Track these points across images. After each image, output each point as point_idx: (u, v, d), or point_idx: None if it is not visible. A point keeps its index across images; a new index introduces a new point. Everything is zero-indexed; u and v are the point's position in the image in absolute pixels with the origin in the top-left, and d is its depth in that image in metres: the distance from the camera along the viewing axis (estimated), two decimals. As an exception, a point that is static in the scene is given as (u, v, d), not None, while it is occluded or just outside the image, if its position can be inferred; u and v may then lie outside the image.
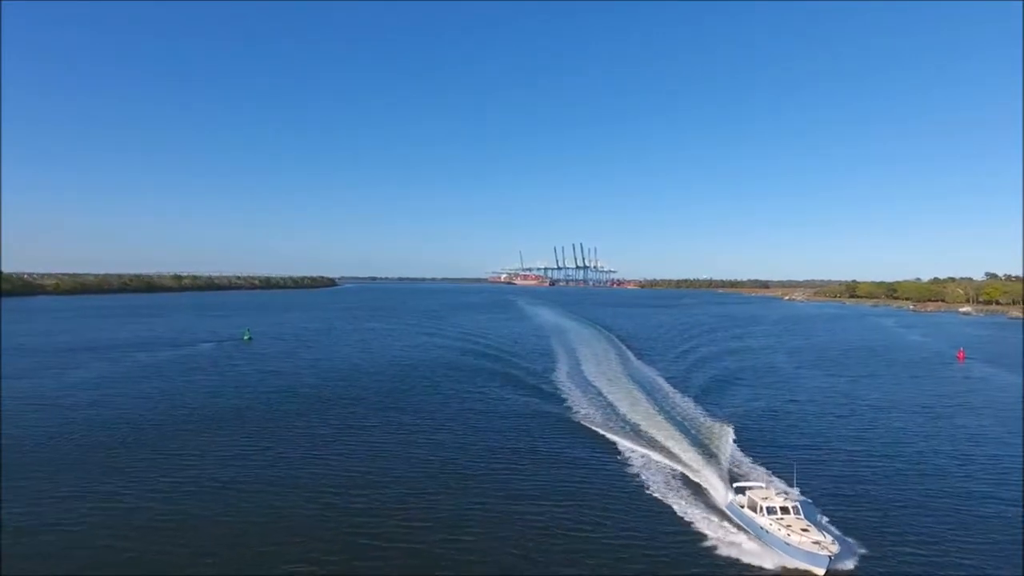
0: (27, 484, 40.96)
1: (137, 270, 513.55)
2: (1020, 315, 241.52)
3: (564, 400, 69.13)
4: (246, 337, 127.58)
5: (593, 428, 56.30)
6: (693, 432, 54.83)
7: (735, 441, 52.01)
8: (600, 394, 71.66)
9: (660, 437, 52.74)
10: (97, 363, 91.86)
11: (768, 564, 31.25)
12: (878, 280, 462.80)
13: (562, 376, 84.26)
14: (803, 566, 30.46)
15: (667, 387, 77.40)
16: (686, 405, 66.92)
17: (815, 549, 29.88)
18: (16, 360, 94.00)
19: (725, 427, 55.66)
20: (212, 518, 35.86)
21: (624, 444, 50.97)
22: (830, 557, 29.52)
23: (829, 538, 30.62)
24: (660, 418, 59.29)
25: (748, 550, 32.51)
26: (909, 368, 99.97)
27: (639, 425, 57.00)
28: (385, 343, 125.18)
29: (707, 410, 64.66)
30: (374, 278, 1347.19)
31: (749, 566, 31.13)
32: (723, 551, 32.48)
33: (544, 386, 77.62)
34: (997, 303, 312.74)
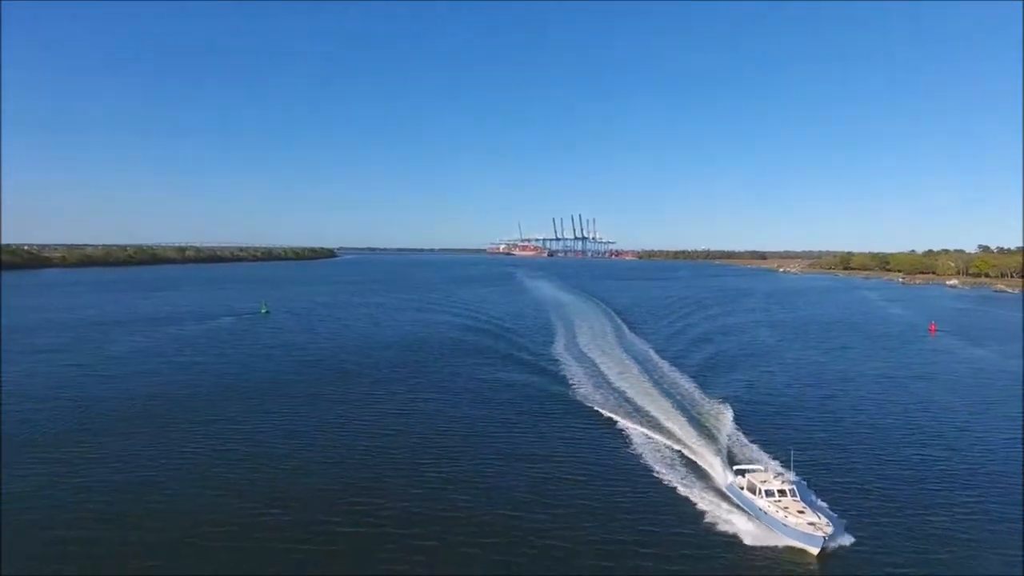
0: (104, 442, 48.52)
1: (136, 240, 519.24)
2: (1004, 288, 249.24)
3: (565, 375, 76.21)
4: (263, 311, 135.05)
5: (593, 403, 62.10)
6: (678, 398, 62.19)
7: (716, 412, 59.27)
8: (596, 367, 78.97)
9: (651, 409, 58.38)
10: (132, 337, 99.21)
11: (766, 543, 33.36)
12: (876, 251, 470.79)
13: (561, 350, 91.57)
14: (799, 545, 32.50)
15: (658, 359, 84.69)
16: (675, 376, 73.99)
17: (810, 530, 31.96)
18: (56, 334, 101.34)
19: (711, 400, 62.40)
20: (278, 467, 43.58)
21: (622, 419, 55.54)
22: (824, 537, 31.61)
23: (824, 520, 32.76)
24: (650, 388, 66.43)
25: (747, 529, 34.64)
26: (883, 341, 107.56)
27: (631, 396, 63.90)
28: (393, 317, 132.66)
29: (693, 379, 71.88)
30: (373, 249, 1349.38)
31: (748, 545, 33.40)
32: (723, 529, 34.95)
33: (546, 361, 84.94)
34: (986, 276, 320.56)
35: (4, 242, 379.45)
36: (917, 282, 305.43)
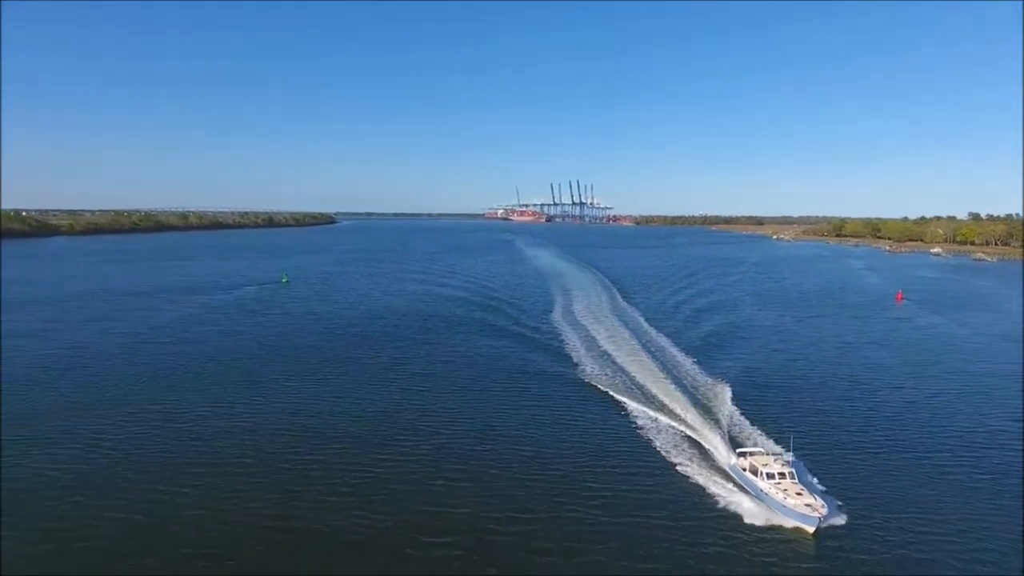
0: (190, 397, 58.82)
1: (132, 205, 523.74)
2: (983, 256, 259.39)
3: (563, 344, 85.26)
4: (284, 280, 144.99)
5: (587, 371, 68.15)
6: (663, 362, 72.01)
7: (695, 374, 69.73)
8: (590, 335, 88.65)
9: (641, 378, 64.37)
10: (169, 307, 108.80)
11: (766, 522, 36.52)
12: (874, 216, 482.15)
13: (559, 319, 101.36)
14: (797, 524, 35.67)
15: (647, 327, 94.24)
16: (664, 343, 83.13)
17: (807, 511, 35.03)
18: (98, 305, 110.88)
19: (692, 364, 72.09)
20: (346, 417, 54.06)
21: (613, 389, 60.97)
22: (820, 518, 34.79)
23: (820, 501, 35.93)
24: (641, 355, 75.34)
25: (748, 508, 37.79)
26: (853, 310, 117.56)
27: (622, 364, 72.38)
28: (400, 287, 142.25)
29: (678, 346, 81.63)
30: (370, 214, 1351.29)
31: (750, 523, 36.69)
32: (727, 508, 38.25)
33: (545, 332, 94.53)
34: (971, 243, 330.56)
35: (4, 207, 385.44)
36: (903, 250, 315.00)
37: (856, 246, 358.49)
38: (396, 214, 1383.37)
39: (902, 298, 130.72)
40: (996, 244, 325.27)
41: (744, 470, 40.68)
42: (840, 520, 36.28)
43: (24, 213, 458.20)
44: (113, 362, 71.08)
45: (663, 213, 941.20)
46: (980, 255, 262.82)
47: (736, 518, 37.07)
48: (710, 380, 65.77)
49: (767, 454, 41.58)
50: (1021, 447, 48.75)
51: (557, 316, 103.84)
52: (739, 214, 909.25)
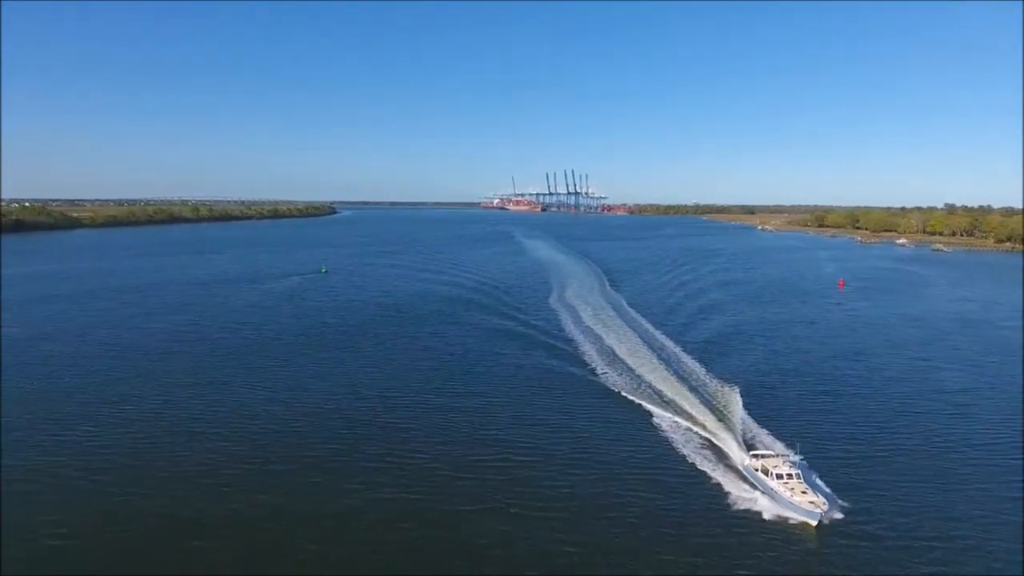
0: (280, 367, 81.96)
1: (136, 194, 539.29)
2: (942, 247, 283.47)
3: (563, 336, 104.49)
4: (323, 271, 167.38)
5: (596, 367, 78.82)
6: (646, 340, 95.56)
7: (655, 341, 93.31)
8: (578, 315, 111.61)
9: (636, 366, 76.45)
10: (237, 294, 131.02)
11: (775, 516, 42.33)
12: (863, 205, 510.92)
13: (555, 304, 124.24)
14: (801, 518, 41.35)
15: (628, 308, 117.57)
16: (647, 326, 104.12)
17: (811, 507, 40.87)
18: (176, 293, 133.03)
19: (658, 341, 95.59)
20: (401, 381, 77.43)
21: (625, 388, 68.40)
22: (821, 513, 40.63)
23: (821, 499, 41.75)
24: (630, 335, 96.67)
25: (760, 503, 43.82)
26: (801, 296, 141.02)
27: (612, 344, 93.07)
28: (421, 276, 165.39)
29: (653, 323, 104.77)
30: (366, 203, 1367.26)
31: (760, 516, 42.58)
32: (741, 504, 44.15)
33: (544, 318, 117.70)
34: (940, 234, 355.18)
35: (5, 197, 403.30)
36: (872, 241, 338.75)
37: (833, 236, 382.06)
38: (393, 203, 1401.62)
39: (843, 285, 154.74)
40: (961, 235, 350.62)
41: (756, 470, 46.30)
42: (839, 515, 42.35)
43: (27, 204, 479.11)
44: (227, 337, 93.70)
45: (657, 202, 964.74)
46: (939, 246, 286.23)
47: (748, 512, 43.36)
48: (707, 373, 75.64)
49: (777, 455, 47.58)
50: (1020, 446, 54.89)
51: (554, 302, 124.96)
52: (731, 203, 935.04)
